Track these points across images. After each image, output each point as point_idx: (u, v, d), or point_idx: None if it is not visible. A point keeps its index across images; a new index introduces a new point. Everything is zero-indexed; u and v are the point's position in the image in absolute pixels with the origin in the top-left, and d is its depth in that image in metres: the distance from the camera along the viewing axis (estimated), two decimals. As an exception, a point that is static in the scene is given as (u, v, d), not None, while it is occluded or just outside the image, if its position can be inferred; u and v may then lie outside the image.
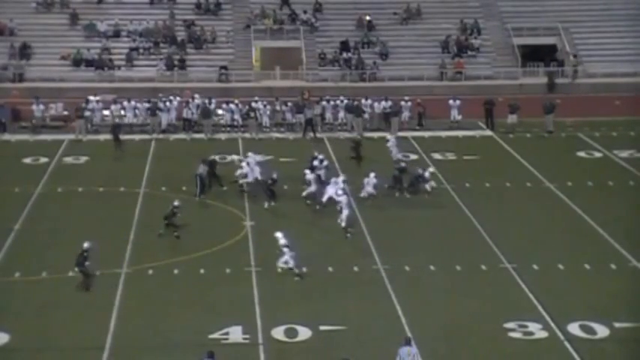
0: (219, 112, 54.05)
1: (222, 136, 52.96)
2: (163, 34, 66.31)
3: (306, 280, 33.76)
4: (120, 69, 64.05)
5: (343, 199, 38.98)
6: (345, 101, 54.23)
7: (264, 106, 54.03)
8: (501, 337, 29.08)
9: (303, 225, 39.08)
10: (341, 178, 41.22)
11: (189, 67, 64.45)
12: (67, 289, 32.71)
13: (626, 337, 29.07)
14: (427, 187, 42.17)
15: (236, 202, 41.52)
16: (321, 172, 42.96)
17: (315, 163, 43.42)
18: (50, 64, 63.67)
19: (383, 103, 54.53)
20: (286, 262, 34.00)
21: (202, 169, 42.27)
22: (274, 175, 41.58)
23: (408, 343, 26.82)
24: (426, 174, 42.43)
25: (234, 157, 44.67)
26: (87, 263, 32.81)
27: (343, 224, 38.02)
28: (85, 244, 33.10)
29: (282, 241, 34.35)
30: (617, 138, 52.50)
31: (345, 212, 38.15)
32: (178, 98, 54.93)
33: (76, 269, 32.78)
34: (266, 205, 40.68)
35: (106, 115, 54.14)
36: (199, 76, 63.49)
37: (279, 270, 33.90)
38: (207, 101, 53.79)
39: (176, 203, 37.86)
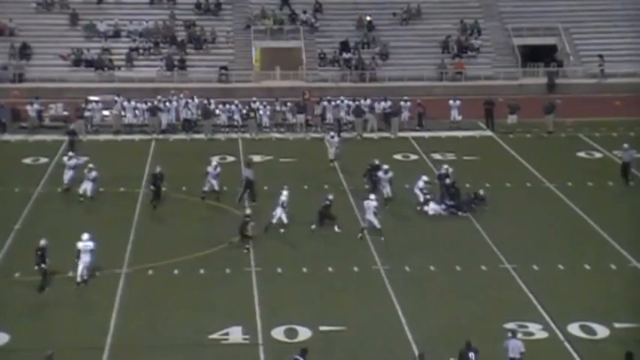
0: (217, 112, 54.04)
1: (222, 136, 52.97)
2: (163, 34, 66.31)
3: (307, 281, 33.78)
4: (120, 69, 64.05)
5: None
6: (346, 101, 54.23)
7: (264, 106, 54.03)
8: (501, 338, 29.03)
9: (303, 225, 39.05)
10: (424, 178, 41.21)
11: (190, 68, 64.45)
12: (67, 289, 32.71)
13: (627, 338, 29.05)
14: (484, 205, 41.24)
15: (236, 202, 41.44)
16: (387, 186, 41.34)
17: (380, 173, 41.55)
18: (50, 64, 63.66)
19: (383, 103, 54.54)
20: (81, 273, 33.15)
21: (247, 172, 41.79)
22: (330, 197, 39.06)
23: (514, 335, 27.39)
24: (481, 192, 41.46)
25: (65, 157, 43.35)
26: (44, 265, 32.46)
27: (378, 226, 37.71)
28: (42, 242, 32.83)
29: (87, 245, 33.23)
30: (617, 138, 52.37)
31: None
32: (177, 97, 54.93)
33: (35, 268, 32.48)
34: (313, 227, 38.45)
35: (106, 116, 54.18)
36: (199, 77, 63.48)
37: (79, 280, 33.05)
38: (206, 101, 53.82)
39: (248, 212, 37.02)
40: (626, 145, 44.73)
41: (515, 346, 27.21)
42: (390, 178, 41.35)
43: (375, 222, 37.55)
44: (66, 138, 49.74)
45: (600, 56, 64.87)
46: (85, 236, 33.38)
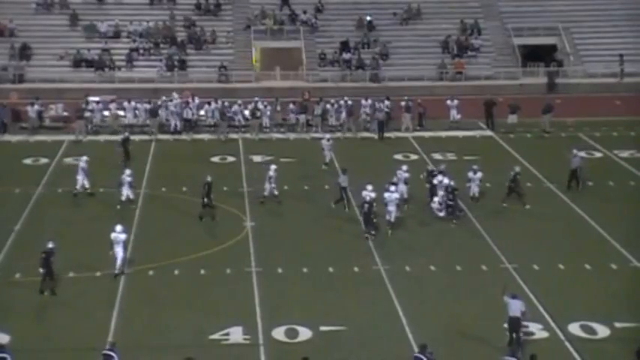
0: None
1: (222, 136, 52.93)
2: (163, 34, 66.34)
3: (307, 281, 33.78)
4: (120, 70, 64.06)
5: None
6: (349, 102, 54.25)
7: (265, 106, 54.07)
8: (502, 338, 29.03)
9: (303, 225, 39.08)
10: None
11: (190, 68, 64.48)
12: (67, 289, 32.70)
13: (627, 337, 29.03)
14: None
15: (236, 202, 41.49)
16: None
17: (436, 181, 40.73)
18: (50, 64, 63.67)
19: (383, 102, 54.55)
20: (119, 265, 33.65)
21: (342, 178, 40.88)
22: (517, 169, 41.67)
23: (514, 297, 28.51)
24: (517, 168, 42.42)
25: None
26: (51, 260, 32.31)
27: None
28: (49, 245, 32.62)
29: (118, 237, 33.53)
30: (618, 138, 52.51)
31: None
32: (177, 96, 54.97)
33: (41, 270, 32.28)
34: (505, 204, 41.01)
35: (106, 116, 54.15)
36: (199, 77, 63.50)
37: (117, 271, 33.42)
38: (226, 103, 53.74)
39: (368, 199, 37.07)
40: (574, 151, 44.46)
41: (515, 306, 27.98)
42: (406, 179, 41.17)
43: (393, 215, 37.58)
44: (119, 145, 47.62)
45: (620, 55, 64.63)
46: (118, 227, 33.73)
